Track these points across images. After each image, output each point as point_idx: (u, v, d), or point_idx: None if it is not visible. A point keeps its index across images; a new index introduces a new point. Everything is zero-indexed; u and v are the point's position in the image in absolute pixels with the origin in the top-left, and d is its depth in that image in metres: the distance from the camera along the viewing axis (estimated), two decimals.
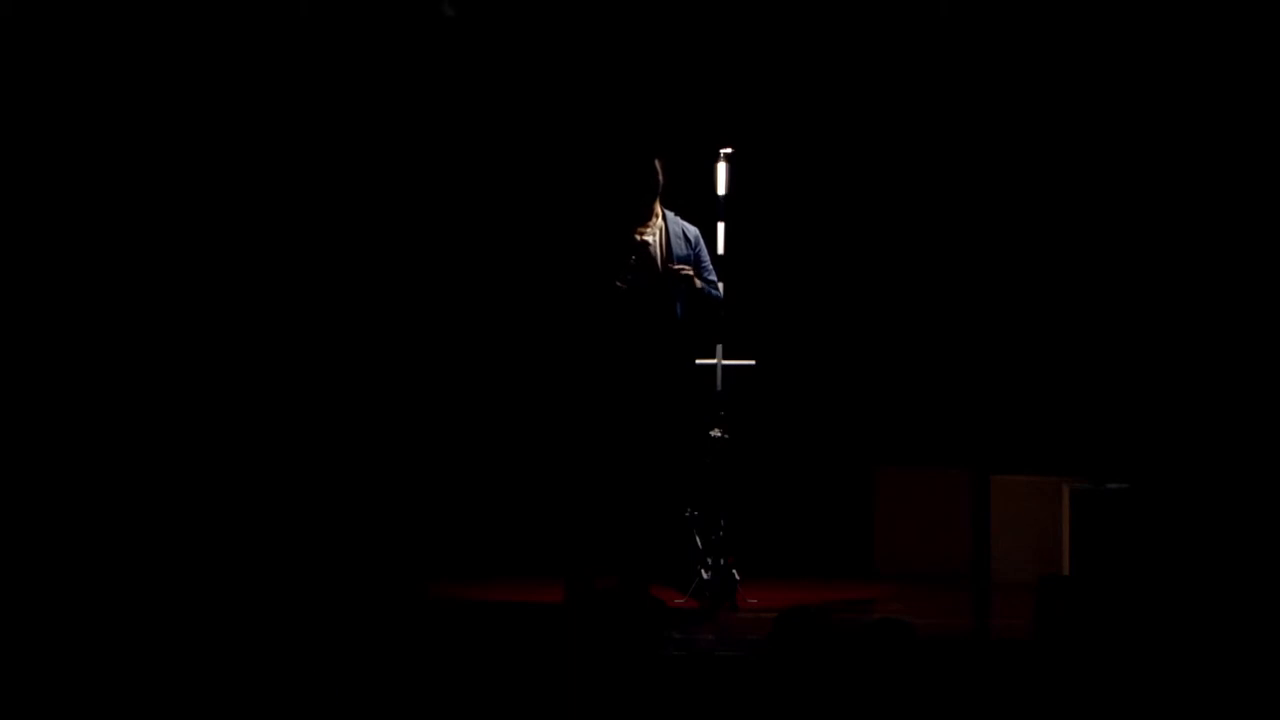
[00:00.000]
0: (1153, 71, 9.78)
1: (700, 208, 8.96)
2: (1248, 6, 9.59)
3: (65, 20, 9.74)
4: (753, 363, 9.06)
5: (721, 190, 8.92)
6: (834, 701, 6.07)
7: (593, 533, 8.86)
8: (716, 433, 8.88)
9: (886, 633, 6.26)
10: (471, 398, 10.12)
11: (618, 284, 8.64)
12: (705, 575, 8.74)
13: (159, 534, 9.45)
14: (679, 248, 8.73)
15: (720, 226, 8.91)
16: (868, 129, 10.15)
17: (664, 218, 8.77)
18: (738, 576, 8.74)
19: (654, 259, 8.75)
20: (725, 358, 8.93)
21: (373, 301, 10.06)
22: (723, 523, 8.78)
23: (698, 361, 8.91)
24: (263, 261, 9.95)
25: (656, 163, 8.74)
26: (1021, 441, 9.85)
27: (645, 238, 8.75)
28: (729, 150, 8.91)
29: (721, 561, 8.74)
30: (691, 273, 8.71)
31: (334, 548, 9.60)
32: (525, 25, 10.12)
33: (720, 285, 8.80)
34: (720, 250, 8.89)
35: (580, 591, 8.41)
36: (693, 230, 8.83)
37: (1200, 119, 9.71)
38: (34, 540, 9.21)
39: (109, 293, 9.84)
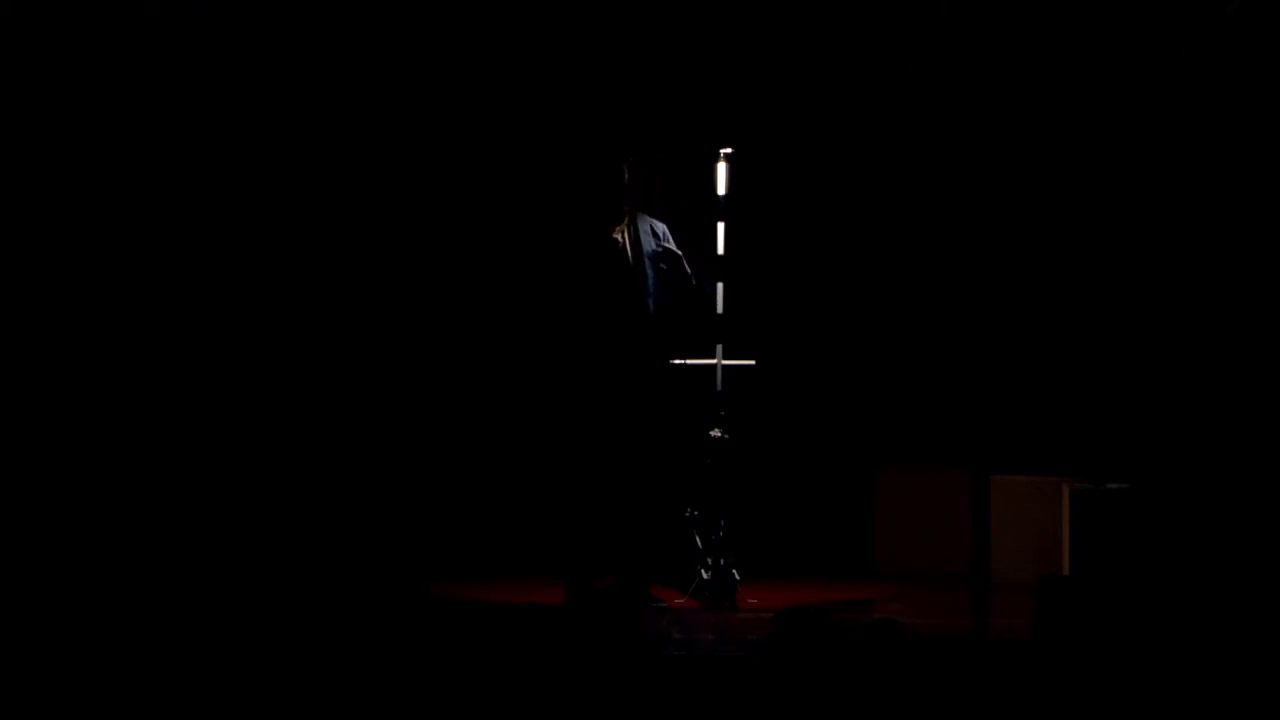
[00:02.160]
0: (1150, 74, 9.78)
1: (700, 208, 8.96)
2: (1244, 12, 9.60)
3: (66, 21, 9.75)
4: (753, 363, 9.06)
5: (721, 190, 8.92)
6: (833, 701, 6.07)
7: (592, 533, 8.85)
8: (716, 433, 8.88)
9: (885, 633, 6.27)
10: (470, 398, 10.12)
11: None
12: (705, 575, 8.74)
13: (160, 534, 9.45)
14: (648, 244, 8.75)
15: (720, 226, 8.91)
16: (868, 129, 10.14)
17: (632, 215, 8.79)
18: (738, 576, 8.74)
19: (624, 256, 8.77)
20: (725, 358, 8.93)
21: (371, 303, 10.06)
22: (723, 523, 8.78)
23: (697, 361, 8.91)
24: (262, 264, 9.95)
25: (624, 163, 8.75)
26: (1021, 441, 9.84)
27: (614, 235, 8.78)
28: (729, 150, 8.91)
29: (721, 561, 8.74)
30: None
31: (334, 548, 9.60)
32: (506, 24, 10.14)
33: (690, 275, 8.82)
34: (720, 250, 8.89)
35: (581, 592, 8.42)
36: (660, 225, 8.84)
37: (1198, 121, 9.71)
38: (34, 540, 9.21)
39: (110, 294, 9.84)
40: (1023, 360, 9.98)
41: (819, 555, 10.02)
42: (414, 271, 10.12)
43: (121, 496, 9.60)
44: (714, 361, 8.92)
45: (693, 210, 8.99)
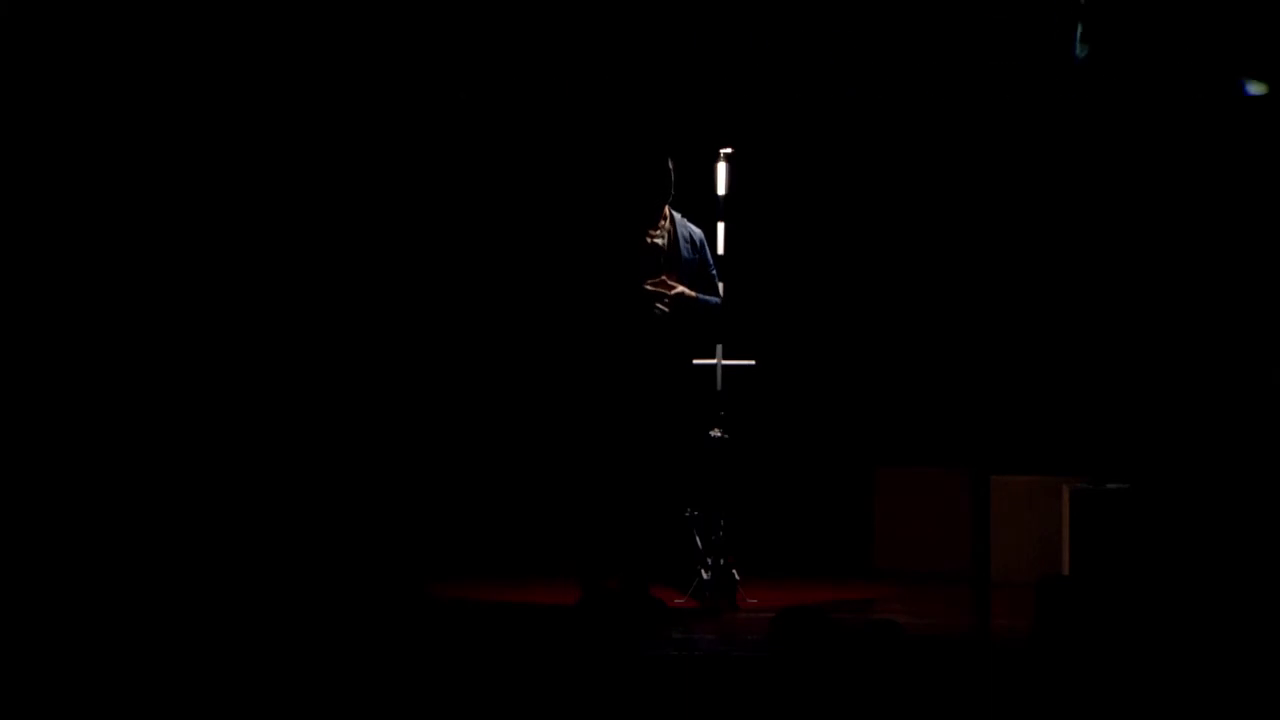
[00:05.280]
0: (1151, 75, 9.78)
1: (700, 208, 8.96)
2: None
3: (65, 20, 9.74)
4: (753, 363, 9.06)
5: (721, 190, 8.92)
6: (833, 701, 6.07)
7: (597, 534, 8.84)
8: (716, 433, 8.88)
9: (885, 633, 6.27)
10: (470, 397, 10.12)
11: (654, 304, 8.57)
12: (705, 575, 8.74)
13: (159, 534, 9.46)
14: (685, 251, 8.66)
15: (720, 226, 8.90)
16: (868, 129, 10.15)
17: (672, 220, 8.69)
18: (738, 576, 8.74)
19: (658, 260, 8.72)
20: (725, 358, 8.93)
21: (376, 303, 10.06)
22: (723, 523, 8.78)
23: (698, 361, 8.90)
24: (265, 262, 9.95)
25: (669, 164, 8.64)
26: (1021, 441, 9.85)
27: (655, 240, 8.66)
28: (729, 150, 8.91)
29: (721, 561, 8.74)
30: (682, 290, 8.62)
31: (334, 548, 9.60)
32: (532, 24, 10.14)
33: (720, 286, 8.75)
34: (720, 250, 8.89)
35: (592, 592, 8.43)
36: (698, 233, 8.73)
37: (1199, 121, 9.71)
38: (34, 540, 9.21)
39: (110, 293, 9.84)
40: (1022, 360, 9.98)
41: (819, 555, 10.03)
42: (416, 272, 10.12)
43: (121, 497, 9.60)
44: (714, 361, 8.92)
45: (693, 210, 8.99)
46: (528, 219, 10.10)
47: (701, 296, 8.63)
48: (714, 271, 8.73)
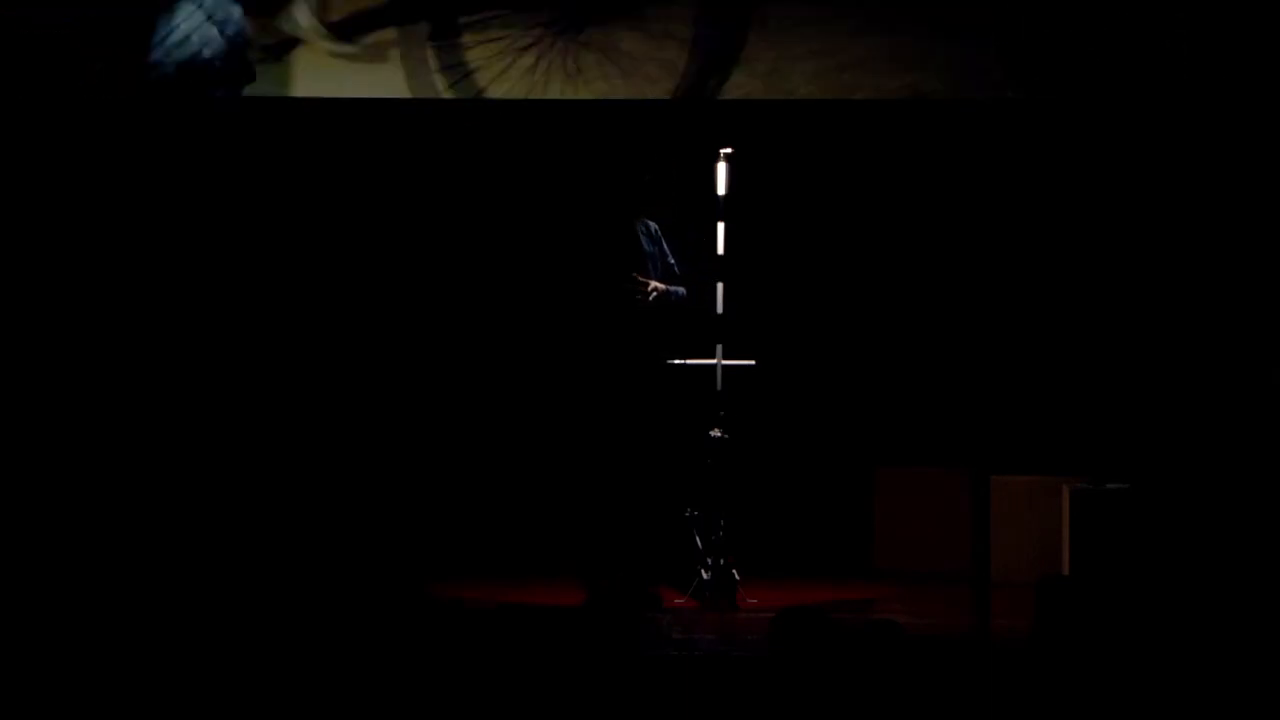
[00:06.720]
0: (1151, 76, 9.78)
1: (700, 208, 8.96)
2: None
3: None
4: (753, 363, 9.05)
5: (721, 190, 8.92)
6: (833, 701, 6.07)
7: (601, 535, 8.84)
8: (716, 433, 8.88)
9: (885, 633, 6.27)
10: (471, 399, 10.12)
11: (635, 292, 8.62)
12: (705, 575, 8.74)
13: (159, 534, 9.46)
14: (646, 245, 8.75)
15: (720, 226, 8.90)
16: (867, 129, 10.14)
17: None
18: (738, 576, 8.74)
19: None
20: (725, 358, 8.93)
21: (375, 305, 10.06)
22: (723, 523, 8.78)
23: (698, 362, 8.91)
24: (266, 264, 9.95)
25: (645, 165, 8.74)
26: (1021, 441, 9.84)
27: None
28: (729, 150, 8.91)
29: (721, 561, 8.74)
30: (656, 285, 8.67)
31: (334, 548, 9.60)
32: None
33: (681, 284, 8.80)
34: (720, 250, 8.89)
35: (599, 593, 8.43)
36: (653, 225, 8.83)
37: (1199, 121, 9.71)
38: (34, 541, 9.21)
39: (111, 294, 9.84)
40: (1022, 360, 9.98)
41: (819, 555, 10.03)
42: (415, 275, 10.12)
43: (122, 497, 9.60)
44: (714, 361, 8.91)
45: (693, 210, 8.99)
46: (521, 219, 10.09)
47: (671, 289, 8.70)
48: (672, 260, 8.79)
